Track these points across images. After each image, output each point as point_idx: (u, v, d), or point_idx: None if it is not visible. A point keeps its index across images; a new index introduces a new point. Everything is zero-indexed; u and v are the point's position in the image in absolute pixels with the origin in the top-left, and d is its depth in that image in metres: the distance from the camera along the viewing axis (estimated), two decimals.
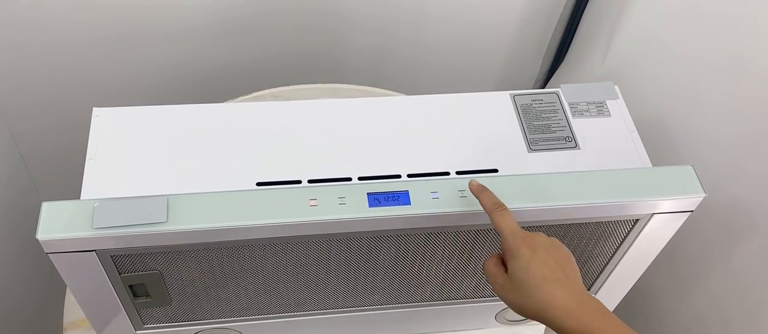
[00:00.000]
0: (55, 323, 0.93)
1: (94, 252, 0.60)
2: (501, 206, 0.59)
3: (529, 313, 0.55)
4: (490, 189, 0.61)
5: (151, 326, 0.75)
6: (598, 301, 0.54)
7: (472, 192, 0.61)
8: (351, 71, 1.22)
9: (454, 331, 0.88)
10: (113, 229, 0.58)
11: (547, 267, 0.54)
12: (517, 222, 0.65)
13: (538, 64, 1.21)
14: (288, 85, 1.09)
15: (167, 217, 0.59)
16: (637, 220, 0.68)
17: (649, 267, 0.78)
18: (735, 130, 0.81)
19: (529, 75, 1.22)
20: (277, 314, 0.77)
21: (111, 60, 1.02)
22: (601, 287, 0.79)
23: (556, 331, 0.54)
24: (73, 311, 0.90)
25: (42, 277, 1.11)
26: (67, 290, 0.93)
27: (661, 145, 0.89)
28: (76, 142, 0.74)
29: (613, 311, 0.87)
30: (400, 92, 1.08)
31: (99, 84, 1.04)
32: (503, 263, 0.58)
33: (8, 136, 1.03)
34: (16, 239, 1.04)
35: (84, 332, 0.88)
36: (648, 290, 1.04)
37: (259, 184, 0.66)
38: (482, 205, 0.60)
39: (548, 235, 0.67)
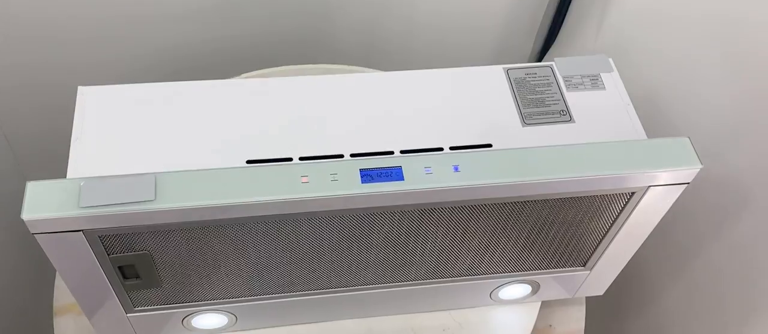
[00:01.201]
0: (45, 308, 0.92)
1: (81, 232, 0.59)
2: None
3: None
4: (483, 166, 0.60)
5: (142, 308, 0.73)
6: None
7: None
8: (342, 52, 1.21)
9: (449, 310, 0.87)
10: (100, 208, 0.57)
11: None
12: (511, 197, 0.64)
13: (531, 41, 1.20)
14: (278, 66, 1.08)
15: (155, 195, 0.58)
16: (632, 193, 0.67)
17: (644, 243, 0.78)
18: (731, 103, 0.81)
19: (522, 52, 1.21)
20: (270, 295, 0.76)
21: (98, 41, 1.00)
22: (596, 263, 0.78)
23: None
24: (63, 295, 0.89)
25: (31, 262, 1.10)
26: (57, 274, 0.92)
27: (656, 120, 0.88)
28: (62, 124, 0.73)
29: (608, 288, 0.87)
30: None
31: (85, 65, 1.02)
32: None
33: None
34: (2, 223, 1.02)
35: (74, 317, 0.87)
36: (643, 266, 1.03)
37: (248, 162, 0.65)
38: None
39: (540, 210, 0.67)
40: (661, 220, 0.72)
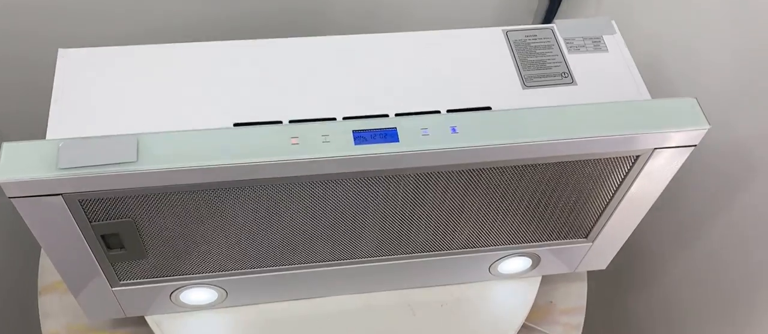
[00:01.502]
0: (30, 288, 0.89)
1: (60, 196, 0.56)
2: None
3: None
4: (482, 128, 0.57)
5: (128, 281, 0.71)
6: None
7: None
8: (338, 22, 1.17)
9: (447, 285, 0.85)
10: (80, 169, 0.54)
11: None
12: (511, 160, 0.61)
13: (533, 6, 1.17)
14: (270, 38, 1.05)
15: (137, 156, 0.55)
16: (637, 157, 0.64)
17: (647, 217, 0.75)
18: (737, 67, 0.78)
19: (524, 18, 1.18)
20: (262, 269, 0.73)
21: (79, 3, 0.97)
22: (599, 234, 0.76)
23: None
24: (48, 274, 0.86)
25: (15, 242, 1.07)
26: (42, 253, 0.89)
27: (660, 84, 0.86)
28: (43, 90, 0.69)
29: (611, 263, 0.85)
30: None
31: (65, 28, 0.98)
32: None
33: None
34: None
35: (60, 296, 0.85)
36: (645, 242, 1.01)
37: (236, 125, 0.62)
38: None
39: (541, 175, 0.64)
40: (664, 191, 0.70)
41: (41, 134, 0.61)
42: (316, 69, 0.67)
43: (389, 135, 0.59)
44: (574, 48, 0.71)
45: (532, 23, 1.17)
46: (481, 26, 0.71)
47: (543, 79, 0.68)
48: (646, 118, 0.62)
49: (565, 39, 0.71)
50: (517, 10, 1.17)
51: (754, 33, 0.75)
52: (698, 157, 0.85)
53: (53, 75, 0.64)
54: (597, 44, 0.71)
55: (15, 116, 1.03)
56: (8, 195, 0.55)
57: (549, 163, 0.63)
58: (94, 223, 0.61)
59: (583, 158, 0.63)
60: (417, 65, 0.69)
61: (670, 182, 0.70)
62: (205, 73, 0.66)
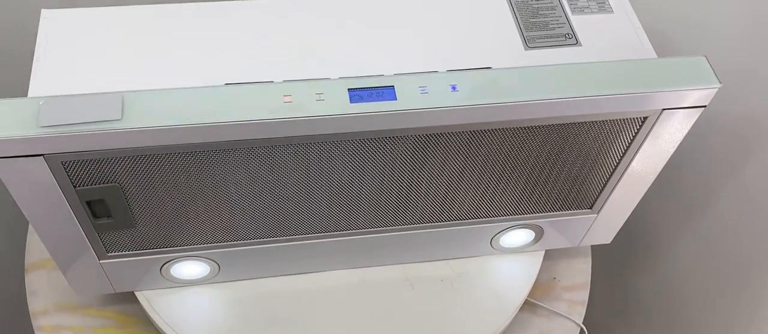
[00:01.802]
0: (17, 267, 0.86)
1: (42, 157, 0.54)
2: None
3: None
4: (483, 86, 0.54)
5: (116, 253, 0.68)
6: None
7: None
8: None
9: (448, 260, 0.82)
10: (61, 127, 0.52)
11: None
12: (513, 120, 0.59)
13: None
14: None
15: (122, 114, 0.53)
16: (645, 118, 0.62)
17: (652, 190, 0.73)
18: (747, 33, 0.75)
19: None
20: (254, 240, 0.70)
21: None
22: (604, 204, 0.73)
23: None
24: (35, 251, 0.84)
25: (1, 221, 1.04)
26: (29, 230, 0.86)
27: (666, 50, 0.83)
28: (26, 54, 0.67)
29: (615, 239, 0.82)
30: None
31: None
32: None
33: None
34: None
35: (48, 273, 0.82)
36: (651, 218, 0.98)
37: (227, 85, 0.60)
38: None
39: (545, 139, 0.62)
40: (670, 162, 0.67)
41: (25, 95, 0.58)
42: (310, 30, 0.65)
43: (386, 93, 0.57)
44: (578, 9, 0.68)
45: None
46: None
47: (546, 40, 0.66)
48: (654, 77, 0.59)
49: (568, 0, 0.69)
50: None
51: None
52: (705, 127, 0.83)
53: (35, 37, 0.62)
54: (601, 5, 0.69)
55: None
56: None
57: (553, 126, 0.61)
58: (78, 188, 0.58)
59: (589, 120, 0.61)
60: (415, 27, 0.66)
61: (676, 153, 0.68)
62: (193, 34, 0.63)
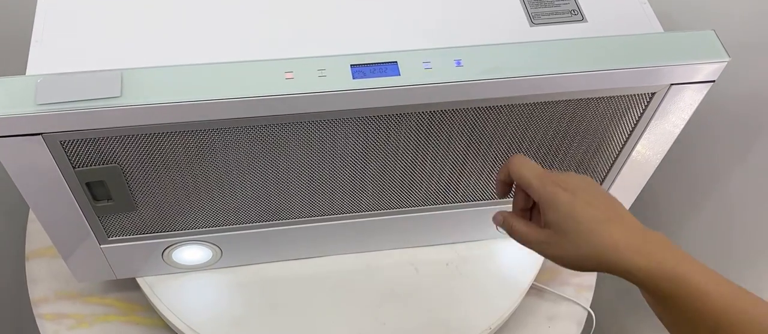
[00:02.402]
0: (17, 255, 0.86)
1: (40, 136, 0.53)
2: (513, 155, 0.53)
3: (584, 264, 0.48)
4: (488, 61, 0.54)
5: (117, 237, 0.67)
6: (659, 233, 0.48)
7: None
8: None
9: (452, 243, 0.81)
10: (59, 105, 0.51)
11: (594, 208, 0.48)
12: (519, 96, 0.58)
13: None
14: None
15: (121, 91, 0.52)
16: (653, 93, 0.61)
17: (660, 170, 0.72)
18: (755, 12, 0.74)
19: None
20: (257, 223, 0.69)
21: None
22: (614, 180, 0.72)
23: (621, 275, 0.47)
24: (36, 239, 0.83)
25: (1, 210, 1.03)
26: (29, 218, 0.85)
27: (672, 28, 0.82)
28: (23, 39, 0.66)
29: None
30: None
31: None
32: (531, 218, 0.53)
33: None
34: None
35: (48, 260, 0.81)
36: (658, 200, 0.97)
37: (227, 63, 0.59)
38: (501, 175, 0.55)
39: (551, 116, 0.61)
40: (677, 146, 0.66)
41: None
42: (313, 7, 0.64)
43: (390, 69, 0.56)
44: None
45: None
46: None
47: (552, 16, 0.64)
48: (661, 51, 0.58)
49: None
50: None
51: None
52: (712, 106, 0.81)
53: (33, 17, 0.61)
54: None
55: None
56: None
57: (559, 102, 0.60)
58: (77, 169, 0.57)
59: (596, 96, 0.60)
60: (418, 4, 0.65)
61: (683, 134, 0.66)
62: (194, 11, 0.62)
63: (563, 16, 0.64)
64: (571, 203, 0.48)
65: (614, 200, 0.51)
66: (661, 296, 0.46)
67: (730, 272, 0.85)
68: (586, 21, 0.64)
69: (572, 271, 0.86)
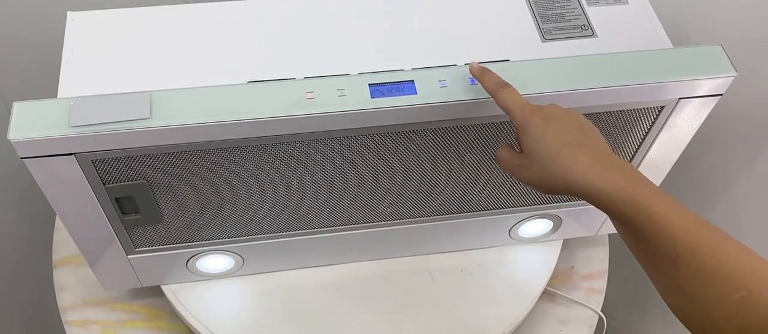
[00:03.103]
0: (44, 264, 0.88)
1: (73, 156, 0.55)
2: (505, 84, 0.54)
3: (553, 186, 0.50)
4: (503, 77, 0.55)
5: (144, 248, 0.70)
6: (628, 163, 0.49)
7: (472, 75, 0.56)
8: None
9: (466, 250, 0.83)
10: (92, 127, 0.53)
11: (564, 133, 0.50)
12: None
13: None
14: None
15: (151, 113, 0.54)
16: (662, 107, 0.63)
17: (669, 175, 0.73)
18: (762, 20, 0.76)
19: None
20: (278, 233, 0.72)
21: None
22: None
23: (585, 199, 0.49)
24: (63, 248, 0.86)
25: (28, 216, 1.06)
26: (55, 227, 0.88)
27: (682, 38, 0.83)
28: (51, 62, 0.68)
29: None
30: None
31: None
32: (517, 148, 0.54)
33: None
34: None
35: (75, 268, 0.84)
36: None
37: (250, 83, 0.61)
38: (485, 87, 0.55)
39: None
40: (689, 154, 0.68)
41: (53, 96, 0.60)
42: (329, 26, 0.66)
43: (406, 88, 0.58)
44: (594, 0, 0.69)
45: None
46: None
47: (562, 31, 0.66)
48: (670, 67, 0.60)
49: None
50: None
51: None
52: (722, 113, 0.83)
53: (62, 38, 0.63)
54: None
55: (25, 83, 1.02)
56: (20, 155, 0.54)
57: None
58: (108, 185, 0.60)
59: (606, 110, 0.62)
60: (433, 20, 0.67)
61: (692, 141, 0.68)
62: (216, 33, 0.65)
63: (574, 32, 0.66)
64: (544, 127, 0.50)
65: (588, 126, 0.52)
66: (622, 219, 0.48)
67: None
68: (597, 36, 0.66)
69: (583, 275, 0.88)
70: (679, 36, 0.84)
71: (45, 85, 0.82)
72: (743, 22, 0.78)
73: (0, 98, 1.03)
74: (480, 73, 0.56)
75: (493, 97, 0.55)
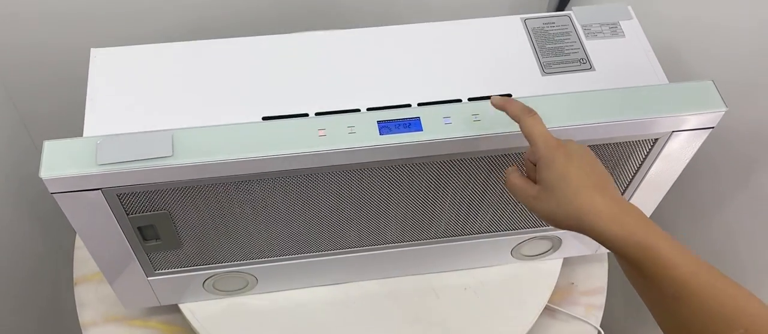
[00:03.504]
0: (65, 281, 0.92)
1: (99, 191, 0.59)
2: (531, 111, 0.56)
3: (564, 222, 0.53)
4: (503, 115, 0.58)
5: (163, 271, 0.73)
6: (637, 208, 0.52)
7: (495, 106, 0.59)
8: (356, 16, 1.19)
9: (470, 269, 0.87)
10: (118, 165, 0.57)
11: (584, 173, 0.52)
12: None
13: None
14: (289, 33, 1.06)
15: (173, 151, 0.58)
16: (656, 139, 0.66)
17: (666, 197, 0.76)
18: (755, 50, 0.79)
19: (540, 4, 1.19)
20: (290, 256, 0.75)
21: (107, 4, 0.99)
22: None
23: (596, 239, 0.52)
24: (82, 266, 0.89)
25: (49, 236, 1.10)
26: (76, 245, 0.92)
27: (677, 68, 0.86)
28: (75, 96, 0.72)
29: None
30: None
31: (95, 30, 1.01)
32: (527, 174, 0.57)
33: (5, 94, 1.01)
34: (18, 197, 1.03)
35: (95, 285, 0.87)
36: (664, 222, 1.02)
37: (265, 118, 0.64)
38: (510, 114, 0.57)
39: None
40: (684, 174, 0.71)
41: (78, 130, 0.63)
42: (338, 61, 0.69)
43: (413, 124, 0.61)
44: (592, 34, 0.72)
45: (547, 9, 1.18)
46: (498, 6, 0.72)
47: (562, 65, 0.69)
48: (663, 102, 0.63)
49: (582, 26, 0.72)
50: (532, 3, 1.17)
51: None
52: (715, 138, 0.86)
53: (86, 74, 0.67)
54: (614, 30, 0.72)
55: (51, 115, 1.06)
56: (50, 190, 0.58)
57: None
58: (131, 215, 0.63)
59: (603, 142, 0.65)
60: (437, 55, 0.70)
61: (689, 160, 0.71)
62: (231, 68, 0.68)
63: (573, 66, 0.69)
64: (566, 165, 0.53)
65: (605, 172, 0.55)
66: (631, 261, 0.51)
67: None
68: (594, 70, 0.69)
69: (582, 291, 0.91)
70: (673, 54, 0.87)
71: (66, 109, 0.86)
72: (736, 45, 0.81)
73: (24, 126, 1.07)
74: (503, 104, 0.58)
75: (518, 122, 0.56)
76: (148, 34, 1.05)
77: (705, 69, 0.85)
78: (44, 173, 0.56)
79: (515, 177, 0.57)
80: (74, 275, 0.89)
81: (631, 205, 0.53)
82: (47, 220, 1.08)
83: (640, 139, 0.65)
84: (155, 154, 0.57)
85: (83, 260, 0.89)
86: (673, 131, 0.65)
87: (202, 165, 0.58)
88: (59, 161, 0.56)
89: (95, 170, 0.56)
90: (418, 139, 0.60)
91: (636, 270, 0.51)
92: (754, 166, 0.83)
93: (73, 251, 0.91)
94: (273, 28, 0.95)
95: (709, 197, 0.92)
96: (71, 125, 0.72)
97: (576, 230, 0.53)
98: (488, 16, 0.75)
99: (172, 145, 0.58)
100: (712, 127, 0.65)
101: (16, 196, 1.01)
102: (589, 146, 0.65)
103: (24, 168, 1.03)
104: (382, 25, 0.73)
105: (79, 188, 0.58)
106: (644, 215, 0.53)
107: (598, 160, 0.55)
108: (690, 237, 0.98)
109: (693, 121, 0.64)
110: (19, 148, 1.05)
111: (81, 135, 0.63)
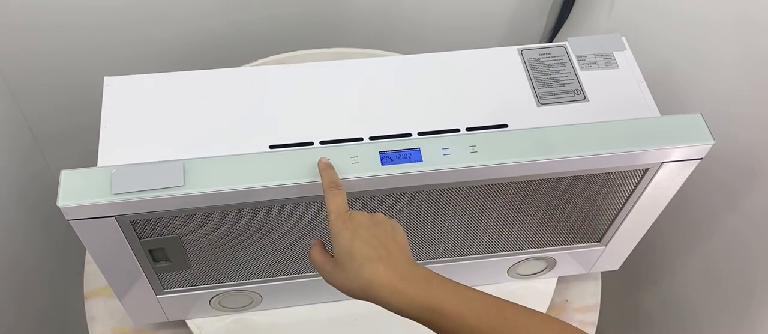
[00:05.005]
0: (75, 295, 0.95)
1: (113, 218, 0.61)
2: (337, 186, 0.58)
3: (357, 295, 0.55)
4: (499, 147, 0.61)
5: (172, 289, 0.76)
6: (424, 269, 0.55)
7: (318, 168, 0.61)
8: (355, 35, 1.22)
9: None
10: (132, 194, 0.59)
11: (369, 246, 0.54)
12: (527, 176, 0.65)
13: (542, 21, 1.21)
14: (293, 51, 1.09)
15: (184, 181, 0.60)
16: (646, 169, 0.68)
17: (658, 218, 0.79)
18: (744, 80, 0.81)
19: (534, 32, 1.22)
20: (294, 275, 0.78)
21: (119, 32, 1.02)
22: (611, 238, 0.80)
23: (387, 309, 0.54)
24: (92, 280, 0.92)
25: (60, 251, 1.13)
26: (86, 260, 0.94)
27: (669, 97, 0.89)
28: (89, 119, 0.75)
29: (624, 262, 0.89)
30: (407, 54, 1.08)
31: (108, 58, 1.04)
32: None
33: (20, 117, 1.04)
34: (31, 213, 1.05)
35: (105, 300, 0.90)
36: (657, 242, 1.05)
37: (272, 147, 0.67)
38: (322, 183, 0.60)
39: (556, 188, 0.68)
40: (675, 195, 0.74)
41: (92, 154, 0.66)
42: (343, 91, 0.72)
43: (413, 155, 0.64)
44: (586, 65, 0.75)
45: (542, 31, 1.21)
46: (494, 36, 0.75)
47: (557, 96, 0.72)
48: (654, 135, 0.66)
49: (577, 56, 0.75)
50: (527, 23, 1.20)
51: (761, 45, 0.78)
52: (706, 163, 0.89)
53: (99, 101, 0.70)
54: (608, 61, 0.75)
55: (66, 140, 1.09)
56: (67, 218, 0.60)
57: (563, 177, 0.67)
58: (143, 239, 0.66)
59: (596, 172, 0.67)
60: (437, 85, 0.73)
61: (681, 185, 0.74)
62: (240, 96, 0.71)
63: (567, 96, 0.72)
64: (351, 240, 0.54)
65: (392, 239, 0.56)
66: (424, 324, 0.54)
67: (725, 308, 0.93)
68: (588, 100, 0.72)
69: (576, 308, 0.94)
70: (666, 87, 0.89)
71: (77, 130, 0.88)
72: (726, 76, 0.83)
73: (36, 142, 1.09)
74: (322, 169, 0.60)
75: (324, 193, 0.58)
76: (160, 63, 1.08)
77: (695, 96, 0.88)
78: (62, 202, 0.59)
79: (315, 252, 0.59)
80: (85, 290, 0.92)
81: (417, 268, 0.55)
82: (59, 238, 1.11)
83: (632, 169, 0.68)
84: (167, 184, 0.60)
85: (93, 275, 0.92)
86: (663, 162, 0.67)
87: (211, 194, 0.61)
88: (76, 191, 0.59)
89: (110, 199, 0.59)
90: (418, 170, 0.63)
91: (433, 328, 0.54)
92: (742, 185, 0.86)
93: (83, 266, 0.94)
94: (276, 60, 0.98)
95: (701, 220, 0.95)
96: (82, 143, 0.74)
97: (371, 301, 0.55)
98: (481, 44, 0.77)
99: (183, 175, 0.61)
100: (701, 159, 0.68)
101: (30, 215, 1.04)
102: (582, 176, 0.68)
103: (38, 183, 1.06)
104: (380, 50, 0.76)
105: (95, 215, 0.61)
106: (429, 273, 0.55)
107: (391, 226, 0.57)
108: (685, 254, 1.01)
109: (682, 152, 0.66)
110: (32, 167, 1.08)
111: (92, 154, 0.66)
